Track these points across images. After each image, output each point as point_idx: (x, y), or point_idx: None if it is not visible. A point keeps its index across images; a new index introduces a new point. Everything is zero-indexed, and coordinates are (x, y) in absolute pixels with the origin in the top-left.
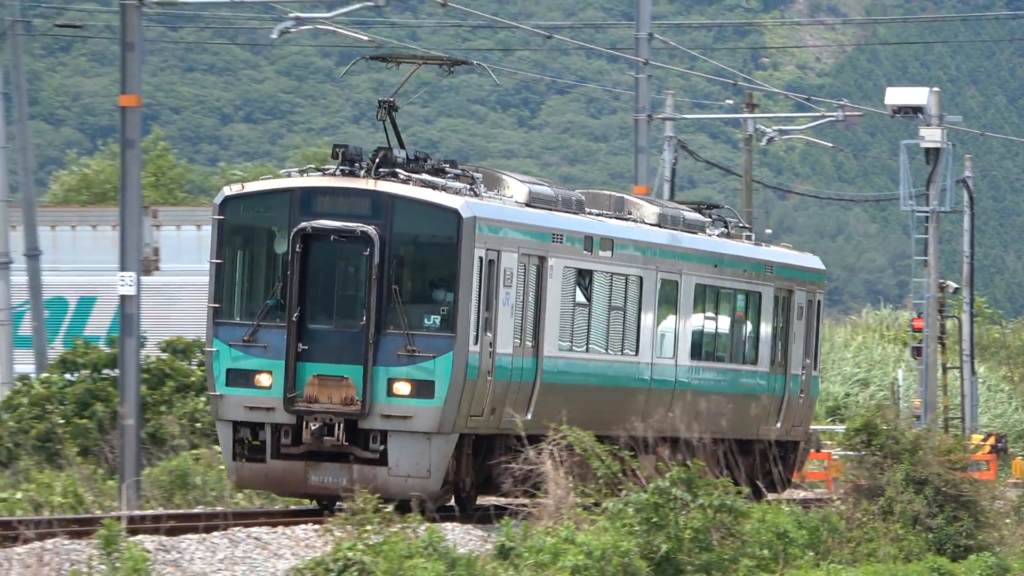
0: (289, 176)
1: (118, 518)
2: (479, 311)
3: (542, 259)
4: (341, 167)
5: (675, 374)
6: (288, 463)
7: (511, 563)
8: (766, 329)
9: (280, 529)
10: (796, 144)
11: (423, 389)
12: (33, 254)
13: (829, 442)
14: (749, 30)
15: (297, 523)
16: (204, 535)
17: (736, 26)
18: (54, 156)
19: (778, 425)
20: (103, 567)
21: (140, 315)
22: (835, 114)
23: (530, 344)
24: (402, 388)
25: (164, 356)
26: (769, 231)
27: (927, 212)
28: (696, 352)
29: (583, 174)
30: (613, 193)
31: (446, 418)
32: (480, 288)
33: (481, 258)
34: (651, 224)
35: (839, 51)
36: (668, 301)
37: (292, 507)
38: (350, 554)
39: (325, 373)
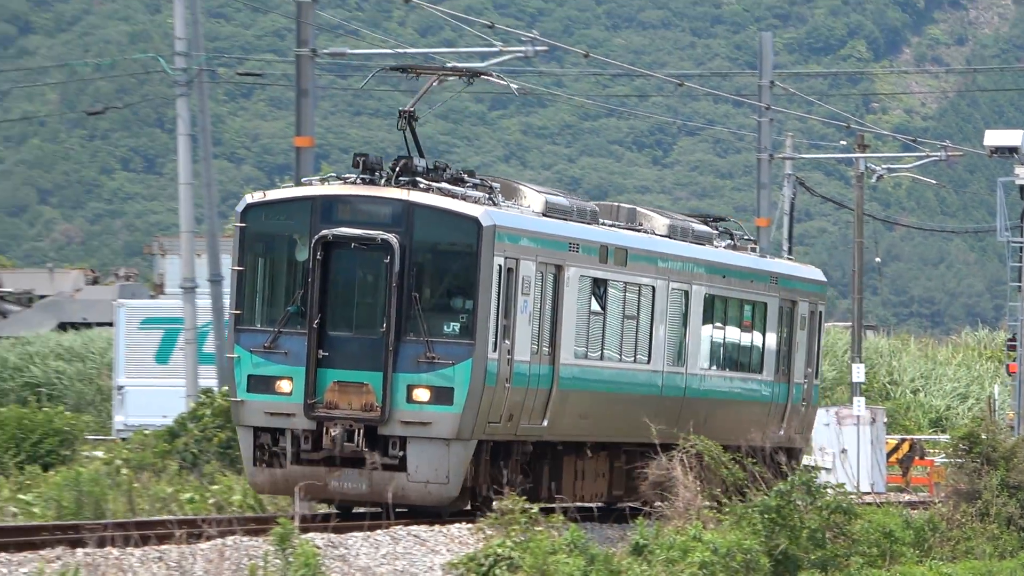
0: (310, 184)
1: (291, 517)
2: (498, 319)
3: (559, 268)
4: (361, 175)
5: (685, 382)
6: (308, 469)
7: (644, 559)
8: (771, 339)
9: (437, 527)
10: (903, 181)
11: (442, 396)
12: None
13: (932, 450)
14: (861, 78)
15: (452, 523)
16: (368, 532)
17: (849, 74)
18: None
19: (781, 432)
20: (277, 561)
21: None
22: (938, 154)
23: (547, 351)
24: (421, 395)
25: None
26: (878, 260)
27: (1021, 243)
28: (705, 361)
29: (710, 207)
30: (623, 205)
31: (464, 425)
32: (499, 296)
33: (500, 266)
34: (662, 235)
35: (942, 97)
36: (679, 310)
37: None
38: (499, 550)
39: (345, 380)
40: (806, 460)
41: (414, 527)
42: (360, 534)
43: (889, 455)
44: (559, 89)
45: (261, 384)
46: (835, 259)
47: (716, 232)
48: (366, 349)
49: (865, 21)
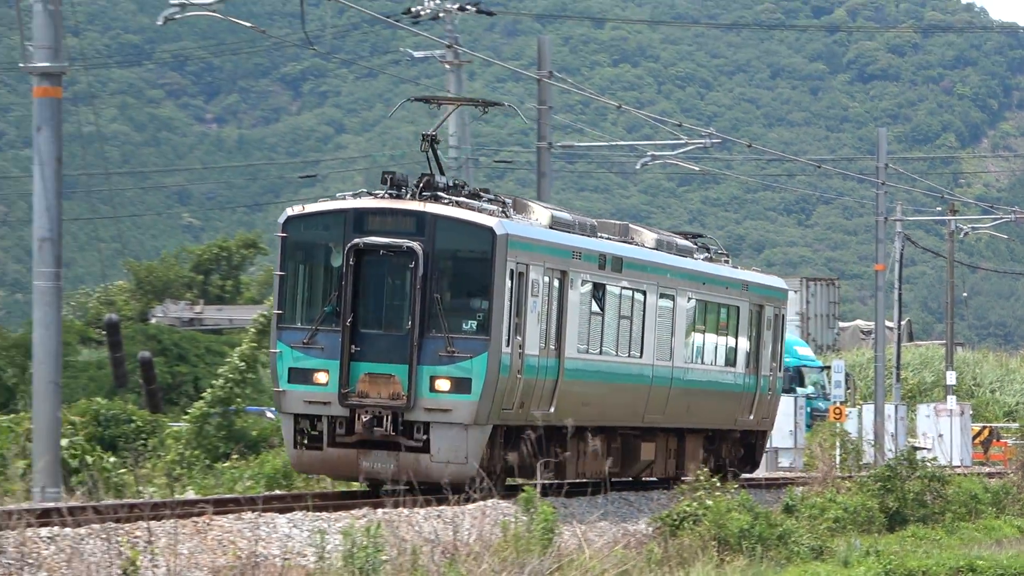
0: (344, 199)
1: (535, 486)
2: (511, 317)
3: (564, 273)
4: (389, 191)
5: (672, 374)
6: (342, 451)
7: (794, 516)
8: (743, 337)
9: (641, 493)
10: (983, 236)
11: (461, 385)
12: None
13: (1006, 434)
14: (951, 160)
15: (651, 489)
16: (591, 497)
17: (943, 158)
18: None
19: (751, 417)
20: (524, 518)
21: None
22: (1009, 216)
23: (553, 347)
24: (443, 385)
25: None
26: (965, 295)
27: None
28: (688, 355)
29: (841, 257)
30: (617, 222)
31: (481, 411)
32: (511, 297)
33: (512, 270)
34: (650, 247)
35: (1011, 174)
36: (666, 312)
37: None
38: (687, 509)
39: (375, 371)
40: (913, 443)
41: (625, 493)
42: (584, 498)
43: (974, 439)
44: (729, 170)
45: (300, 376)
46: (932, 294)
47: (696, 246)
48: (393, 344)
49: (954, 119)
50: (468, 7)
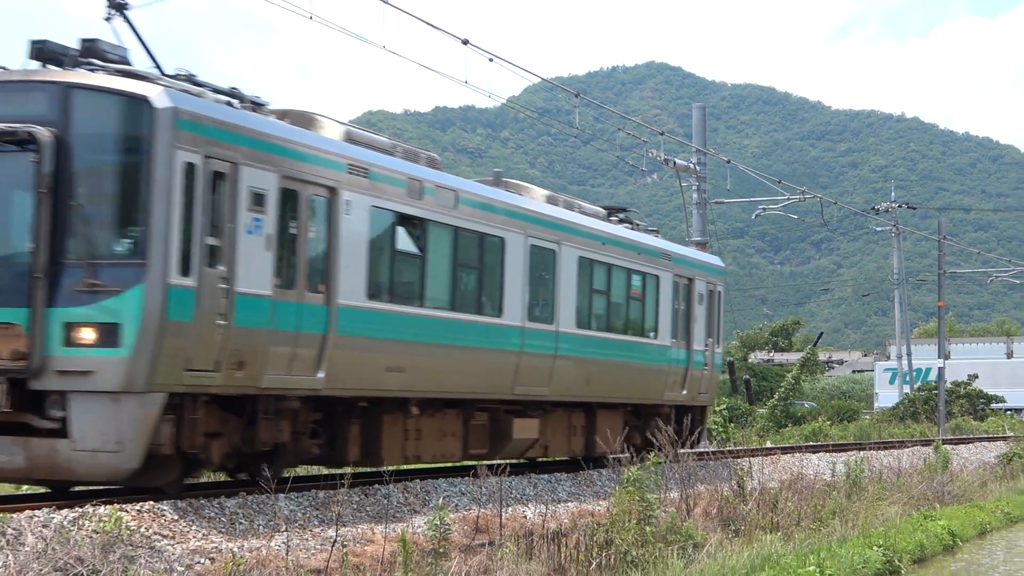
0: None
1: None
2: (192, 234)
3: (332, 191)
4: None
5: (556, 341)
6: None
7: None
8: (665, 308)
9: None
10: None
11: (107, 335)
12: None
13: None
14: None
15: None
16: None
17: None
18: None
19: (684, 392)
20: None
21: None
22: None
23: (311, 289)
24: (84, 335)
25: None
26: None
27: None
28: (585, 321)
29: None
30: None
31: (136, 372)
32: (192, 205)
33: (191, 165)
34: (535, 199)
35: None
36: (543, 269)
37: None
38: (1016, 450)
39: None
40: None
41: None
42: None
43: None
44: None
45: None
46: None
47: (606, 213)
48: (9, 277)
49: None
50: None
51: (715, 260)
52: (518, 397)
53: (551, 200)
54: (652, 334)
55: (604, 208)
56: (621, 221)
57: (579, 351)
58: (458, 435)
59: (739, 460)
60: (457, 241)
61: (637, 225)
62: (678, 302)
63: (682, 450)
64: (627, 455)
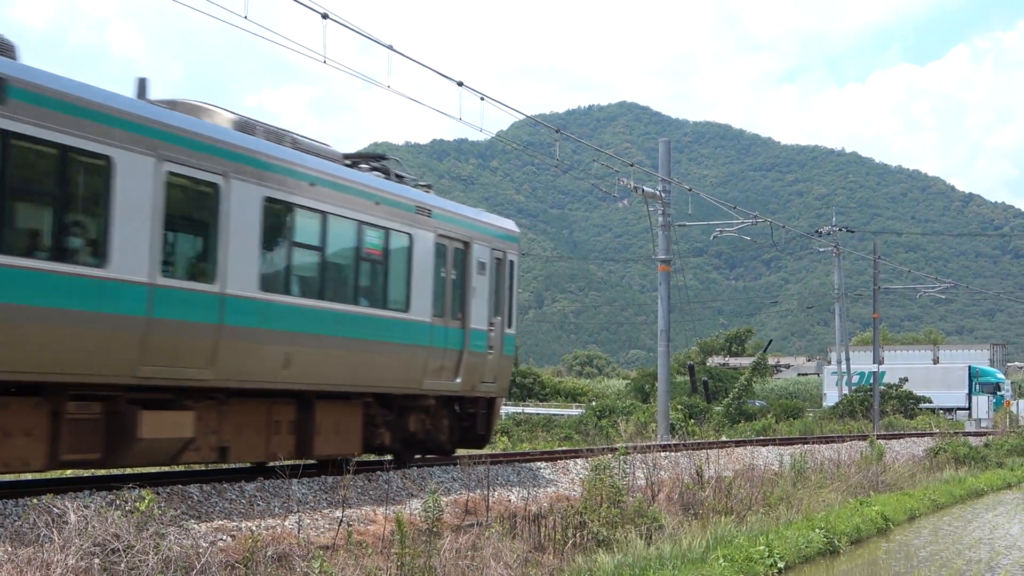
0: None
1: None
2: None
3: None
4: None
5: (221, 306)
6: None
7: (988, 448)
8: (423, 276)
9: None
10: None
11: None
12: None
13: None
14: None
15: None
16: None
17: None
18: None
19: (457, 380)
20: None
21: None
22: None
23: None
24: None
25: None
26: None
27: None
28: (276, 284)
29: None
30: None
31: None
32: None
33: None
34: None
35: None
36: (197, 207)
37: None
38: (942, 445)
39: None
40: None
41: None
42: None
43: None
44: None
45: None
46: None
47: (341, 156)
48: None
49: None
50: None
51: (505, 223)
52: (148, 381)
53: (243, 127)
54: (400, 306)
55: (352, 155)
56: (375, 171)
57: (267, 322)
58: (40, 435)
59: (698, 452)
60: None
61: (401, 178)
62: (445, 270)
63: (468, 451)
64: (369, 456)
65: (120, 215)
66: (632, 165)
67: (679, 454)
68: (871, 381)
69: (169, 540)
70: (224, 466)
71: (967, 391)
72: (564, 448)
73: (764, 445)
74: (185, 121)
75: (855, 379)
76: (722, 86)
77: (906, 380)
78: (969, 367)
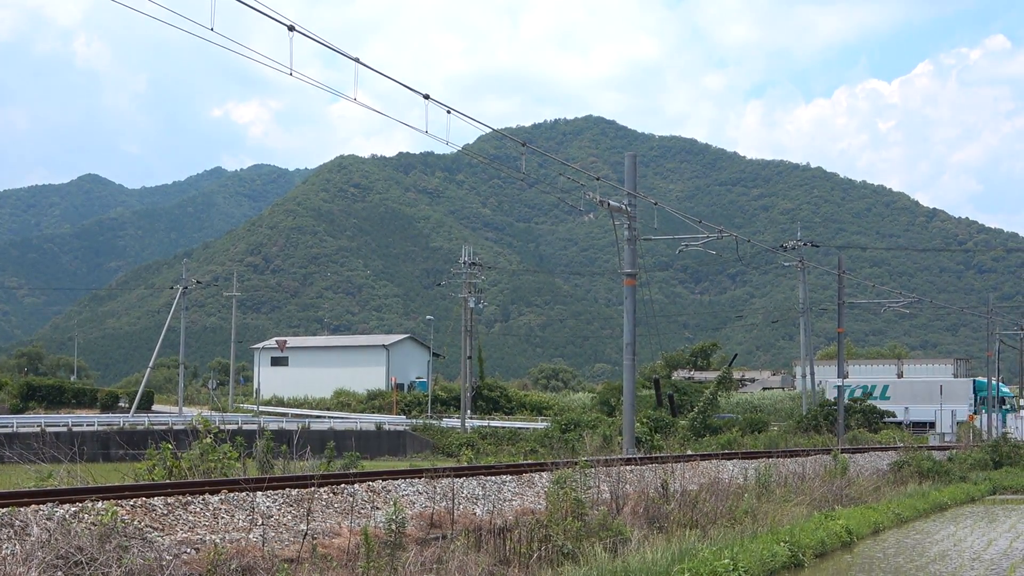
0: None
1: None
2: None
3: None
4: None
5: None
6: None
7: (952, 461)
8: None
9: None
10: None
11: None
12: None
13: None
14: None
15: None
16: None
17: None
18: None
19: None
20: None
21: None
22: None
23: None
24: None
25: None
26: None
27: None
28: None
29: None
30: None
31: None
32: None
33: None
34: None
35: None
36: None
37: None
38: (906, 458)
39: None
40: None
41: None
42: None
43: None
44: None
45: None
46: None
47: None
48: None
49: None
50: None
51: None
52: None
53: None
54: None
55: None
56: None
57: None
58: None
59: (663, 465)
60: None
61: None
62: None
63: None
64: None
65: None
66: (598, 179)
67: (644, 467)
68: (857, 394)
69: (133, 553)
70: (190, 479)
71: (971, 404)
72: (529, 462)
73: (729, 459)
74: None
75: (858, 392)
76: (688, 101)
77: (870, 395)
78: (974, 381)
